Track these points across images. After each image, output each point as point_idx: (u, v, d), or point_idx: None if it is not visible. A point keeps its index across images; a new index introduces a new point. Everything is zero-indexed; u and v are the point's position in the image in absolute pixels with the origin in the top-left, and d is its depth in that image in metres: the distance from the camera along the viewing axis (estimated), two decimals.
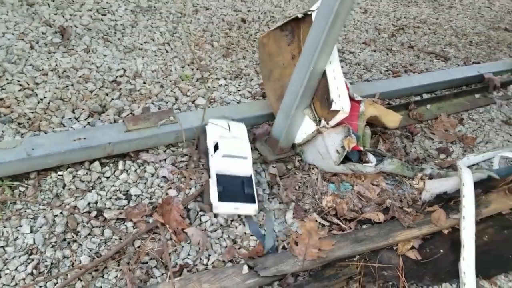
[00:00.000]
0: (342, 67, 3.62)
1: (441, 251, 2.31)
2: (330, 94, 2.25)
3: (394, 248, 2.27)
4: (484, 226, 2.50)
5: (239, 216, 2.23)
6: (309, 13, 2.32)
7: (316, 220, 2.28)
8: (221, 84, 3.06)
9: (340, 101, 2.24)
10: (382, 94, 3.26)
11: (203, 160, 2.43)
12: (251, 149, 2.38)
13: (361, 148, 2.43)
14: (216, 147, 2.25)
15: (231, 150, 2.23)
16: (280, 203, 2.36)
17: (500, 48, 4.85)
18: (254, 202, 2.19)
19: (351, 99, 2.46)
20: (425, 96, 3.56)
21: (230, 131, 2.37)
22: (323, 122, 2.34)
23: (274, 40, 2.61)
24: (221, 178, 2.19)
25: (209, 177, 2.23)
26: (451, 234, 2.39)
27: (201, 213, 2.20)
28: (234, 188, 2.19)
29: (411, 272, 2.18)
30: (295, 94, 2.31)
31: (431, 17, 5.20)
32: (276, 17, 4.17)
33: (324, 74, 2.27)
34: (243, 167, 2.25)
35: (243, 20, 3.97)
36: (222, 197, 2.13)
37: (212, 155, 2.26)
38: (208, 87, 2.99)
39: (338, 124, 2.34)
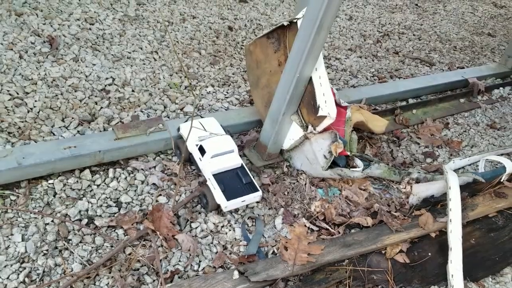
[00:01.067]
0: (328, 73, 3.67)
1: (429, 254, 2.34)
2: (317, 100, 2.29)
3: (383, 252, 2.29)
4: (471, 229, 2.54)
5: (228, 222, 2.25)
6: (295, 20, 2.36)
7: (305, 225, 2.30)
8: (209, 91, 3.09)
9: (327, 107, 2.27)
10: (368, 100, 3.30)
11: (191, 167, 2.45)
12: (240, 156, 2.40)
13: (348, 153, 2.47)
14: (201, 150, 2.28)
15: (217, 149, 2.27)
16: (269, 208, 2.39)
17: (484, 53, 4.93)
18: (257, 189, 2.25)
19: (338, 105, 2.50)
20: (410, 101, 3.61)
21: (205, 130, 2.40)
22: (310, 128, 2.38)
23: (261, 47, 2.64)
24: (218, 178, 2.22)
25: (203, 180, 2.29)
26: (438, 237, 2.42)
27: (191, 219, 2.22)
28: (233, 182, 2.25)
29: (399, 275, 2.21)
30: (282, 100, 2.34)
31: (415, 23, 5.27)
32: (262, 25, 4.22)
33: (310, 81, 2.30)
34: (232, 160, 2.30)
35: (230, 28, 4.01)
36: (227, 195, 2.17)
37: (200, 159, 2.28)
38: (196, 94, 3.02)
39: (325, 130, 2.37)
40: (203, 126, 2.42)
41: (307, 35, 2.10)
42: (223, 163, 2.27)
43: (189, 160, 2.43)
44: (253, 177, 2.32)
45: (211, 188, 2.21)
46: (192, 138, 2.34)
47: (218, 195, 2.17)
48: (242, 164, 2.32)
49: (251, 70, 2.78)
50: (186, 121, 2.55)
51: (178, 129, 2.47)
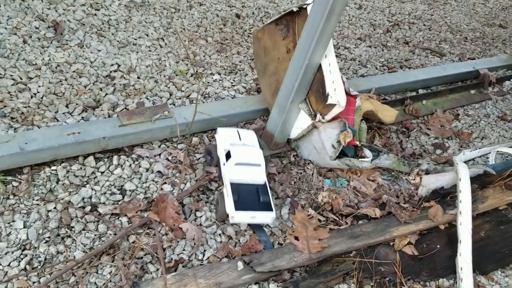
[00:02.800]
0: (337, 62, 3.61)
1: (438, 246, 2.30)
2: (326, 88, 2.23)
3: (391, 243, 2.25)
4: (481, 221, 2.50)
5: None
6: (304, 6, 2.30)
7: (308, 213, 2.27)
8: (215, 79, 3.04)
9: (336, 95, 2.22)
10: (378, 89, 3.25)
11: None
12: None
13: (357, 143, 2.42)
14: (228, 156, 2.17)
15: (243, 158, 2.15)
16: (276, 198, 2.35)
17: (495, 44, 4.85)
18: (271, 210, 2.09)
19: (347, 93, 2.45)
20: (420, 91, 3.54)
21: (240, 139, 2.31)
22: (318, 116, 2.33)
23: (269, 34, 2.59)
24: (235, 187, 2.10)
25: (222, 186, 2.20)
26: (447, 230, 2.38)
27: (196, 209, 2.18)
28: (249, 197, 2.11)
29: (408, 267, 2.17)
30: (290, 88, 2.29)
31: (426, 13, 5.19)
32: (270, 13, 4.15)
33: (319, 68, 2.25)
34: (257, 175, 2.16)
35: (238, 16, 3.95)
36: (238, 206, 2.03)
37: (224, 164, 2.18)
38: (203, 82, 2.97)
39: (334, 119, 2.32)
40: (239, 135, 2.33)
41: (317, 21, 2.05)
42: (245, 175, 2.14)
43: (217, 164, 2.31)
44: (273, 199, 2.18)
45: (224, 195, 2.10)
46: (223, 144, 2.26)
47: (229, 204, 2.04)
48: (265, 182, 2.18)
49: (259, 58, 2.73)
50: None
51: (216, 132, 2.38)
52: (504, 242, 2.42)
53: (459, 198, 2.34)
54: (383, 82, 3.34)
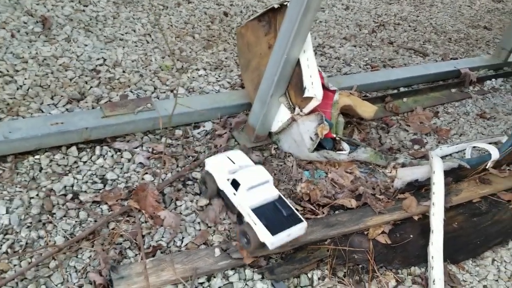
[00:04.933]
0: (321, 61, 3.69)
1: (411, 236, 2.36)
2: (304, 82, 2.31)
3: (365, 233, 2.32)
4: (454, 213, 2.56)
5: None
6: (285, 3, 2.37)
7: None
8: (200, 74, 3.10)
9: (313, 88, 2.29)
10: (360, 87, 3.32)
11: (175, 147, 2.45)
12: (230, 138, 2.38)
13: (334, 136, 2.49)
14: (235, 184, 2.07)
15: (252, 181, 2.06)
16: None
17: (478, 45, 4.94)
18: (300, 220, 2.03)
19: (326, 88, 2.52)
20: (402, 89, 3.62)
21: (234, 162, 2.20)
22: (297, 109, 2.40)
23: (252, 30, 2.66)
24: (257, 211, 1.99)
25: (239, 217, 2.15)
26: (421, 220, 2.44)
27: (176, 199, 2.24)
28: (274, 216, 2.01)
29: (380, 255, 2.23)
30: (271, 82, 2.36)
31: (411, 15, 5.28)
32: (258, 11, 4.21)
33: (298, 63, 2.32)
34: (269, 191, 2.08)
35: (225, 14, 4.02)
36: (272, 230, 1.92)
37: (235, 194, 2.07)
38: (188, 77, 3.03)
39: (312, 112, 2.39)
40: (231, 160, 2.21)
41: (294, 16, 2.12)
42: (260, 196, 2.04)
43: (218, 196, 2.24)
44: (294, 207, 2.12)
45: (251, 225, 1.97)
46: (221, 174, 2.15)
47: (261, 232, 1.93)
48: (279, 195, 2.10)
49: (242, 53, 2.80)
50: (211, 156, 2.33)
51: (204, 165, 2.27)
52: (476, 234, 2.49)
53: (432, 190, 2.41)
54: (364, 80, 3.42)
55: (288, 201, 2.09)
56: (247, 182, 2.04)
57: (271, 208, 2.05)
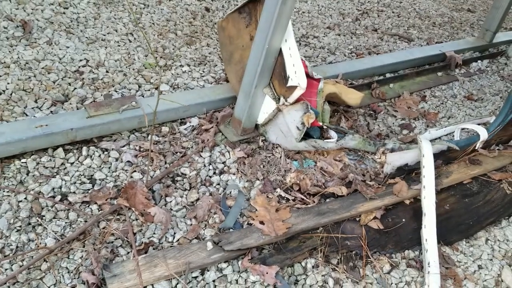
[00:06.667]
0: (306, 51, 3.68)
1: (403, 220, 2.37)
2: (287, 71, 2.30)
3: (357, 219, 2.32)
4: (446, 195, 2.57)
5: (203, 194, 2.27)
6: None
7: (274, 195, 2.32)
8: (184, 70, 3.09)
9: (297, 77, 2.29)
10: (345, 75, 3.32)
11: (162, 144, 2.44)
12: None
13: (321, 124, 2.49)
14: None
15: None
16: (246, 181, 2.40)
17: (463, 28, 4.94)
18: None
19: (310, 77, 2.51)
20: (388, 75, 3.62)
21: None
22: (282, 100, 2.39)
23: (233, 23, 2.64)
24: None
25: None
26: (412, 204, 2.45)
27: (165, 195, 2.23)
28: None
29: (373, 241, 2.24)
30: (254, 73, 2.35)
31: (394, 1, 5.27)
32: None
33: (280, 52, 2.31)
34: None
35: (207, 9, 4.00)
36: None
37: None
38: (172, 73, 3.02)
39: (297, 101, 2.38)
40: None
41: (273, 5, 2.11)
42: None
43: None
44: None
45: None
46: None
47: None
48: None
49: (224, 46, 2.79)
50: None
51: None
52: (468, 214, 2.50)
53: (422, 173, 2.42)
54: (349, 68, 3.41)
55: None
56: None
57: None
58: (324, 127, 2.57)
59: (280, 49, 2.30)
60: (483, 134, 2.72)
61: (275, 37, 2.21)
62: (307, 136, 2.51)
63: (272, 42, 2.22)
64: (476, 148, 2.76)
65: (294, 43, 2.32)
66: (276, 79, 2.41)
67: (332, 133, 2.57)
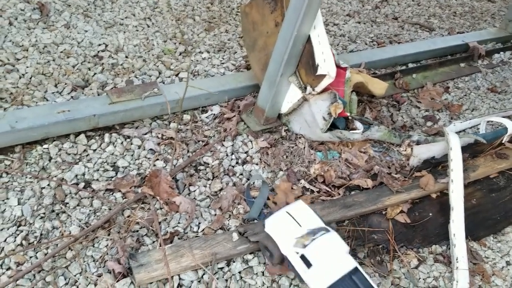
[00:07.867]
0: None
1: (430, 214, 2.32)
2: (316, 59, 2.23)
3: (383, 212, 2.27)
4: (472, 189, 2.52)
5: (227, 184, 2.22)
6: None
7: (298, 186, 2.28)
8: (204, 57, 3.03)
9: (326, 66, 2.22)
10: (368, 64, 3.25)
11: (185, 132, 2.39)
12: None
13: (348, 114, 2.43)
14: (306, 262, 1.75)
15: (325, 257, 1.75)
16: (269, 172, 2.36)
17: (484, 18, 4.86)
18: None
19: (337, 66, 2.44)
20: (410, 65, 3.54)
21: (300, 225, 1.85)
22: (309, 89, 2.33)
23: (257, 8, 2.58)
24: None
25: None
26: (439, 198, 2.40)
27: (189, 184, 2.19)
28: None
29: (400, 235, 2.19)
30: (280, 61, 2.29)
31: None
32: None
33: (308, 39, 2.24)
34: (345, 262, 1.77)
35: None
36: None
37: (305, 271, 1.75)
38: (191, 60, 2.96)
39: (324, 91, 2.33)
40: (295, 220, 1.86)
41: None
42: (336, 272, 1.73)
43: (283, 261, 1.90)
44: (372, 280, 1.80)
45: None
46: (287, 243, 1.81)
47: None
48: (356, 266, 1.77)
49: (247, 33, 2.72)
50: (268, 217, 1.94)
51: (264, 226, 1.91)
52: (495, 209, 2.45)
53: (450, 166, 2.36)
54: (372, 56, 3.35)
55: (366, 275, 1.77)
56: (321, 264, 1.73)
57: (349, 283, 1.72)
58: (350, 117, 2.51)
59: (309, 36, 2.24)
60: (511, 128, 2.65)
61: (304, 23, 2.14)
62: (332, 126, 2.45)
63: (301, 29, 2.16)
64: (503, 141, 2.70)
65: (323, 30, 2.26)
66: (302, 68, 2.35)
67: (358, 124, 2.52)
